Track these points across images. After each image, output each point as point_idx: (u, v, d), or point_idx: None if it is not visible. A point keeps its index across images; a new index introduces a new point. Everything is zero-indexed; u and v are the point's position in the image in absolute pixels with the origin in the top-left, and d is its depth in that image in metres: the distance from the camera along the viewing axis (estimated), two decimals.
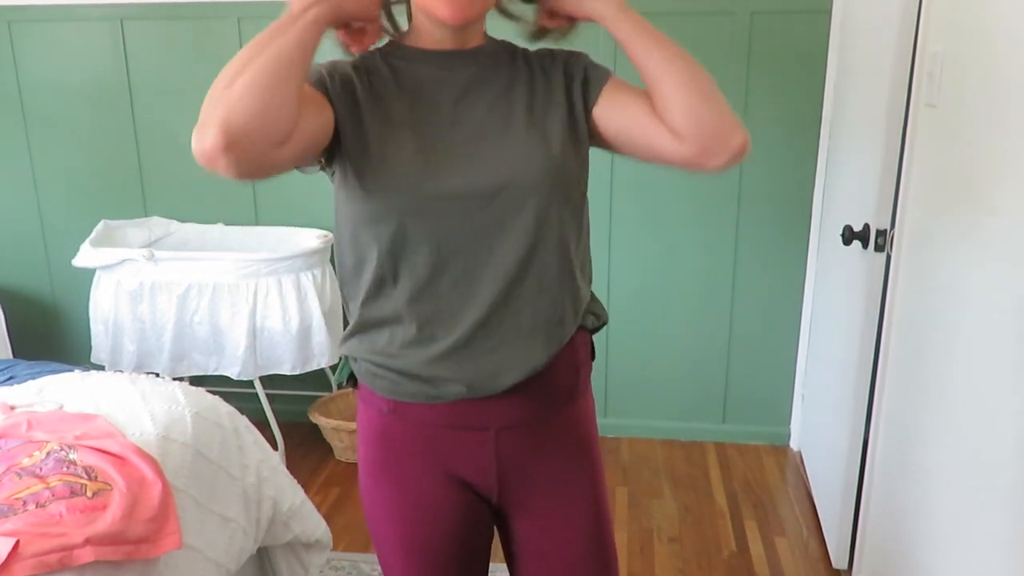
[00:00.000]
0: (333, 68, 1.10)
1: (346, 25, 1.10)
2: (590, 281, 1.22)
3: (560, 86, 1.13)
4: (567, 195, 1.11)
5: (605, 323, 1.24)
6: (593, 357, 1.25)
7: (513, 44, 1.19)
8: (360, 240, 1.11)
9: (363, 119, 1.08)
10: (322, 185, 3.22)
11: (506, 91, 1.13)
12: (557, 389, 1.16)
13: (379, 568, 2.26)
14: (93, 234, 2.82)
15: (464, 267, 1.07)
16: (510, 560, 1.26)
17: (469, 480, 1.17)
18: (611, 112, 1.10)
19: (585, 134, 1.13)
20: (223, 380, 2.87)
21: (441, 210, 1.05)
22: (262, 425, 2.43)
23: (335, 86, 1.08)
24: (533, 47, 1.19)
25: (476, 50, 1.14)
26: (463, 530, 1.19)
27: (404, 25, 1.18)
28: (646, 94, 1.07)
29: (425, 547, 1.18)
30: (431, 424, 1.14)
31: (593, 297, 1.23)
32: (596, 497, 1.22)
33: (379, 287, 1.10)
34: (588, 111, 1.12)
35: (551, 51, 1.17)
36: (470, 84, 1.12)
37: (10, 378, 1.96)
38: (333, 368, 3.09)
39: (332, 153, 1.10)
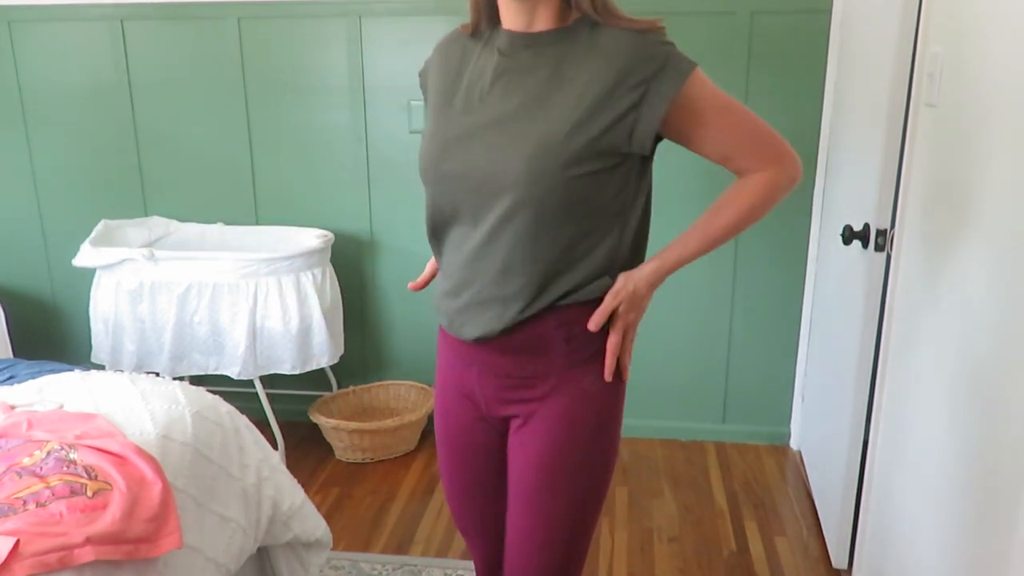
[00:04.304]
0: (424, 71, 1.35)
1: None
2: (601, 267, 1.24)
3: (625, 97, 1.14)
4: (549, 199, 1.15)
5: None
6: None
7: (607, 30, 1.16)
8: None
9: (429, 104, 1.31)
10: (322, 185, 3.23)
11: (547, 81, 1.17)
12: (525, 355, 1.26)
13: (379, 567, 2.27)
14: (93, 234, 2.82)
15: (462, 235, 1.26)
16: None
17: (470, 397, 1.36)
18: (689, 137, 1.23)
19: (622, 150, 1.17)
20: (223, 380, 2.87)
21: (446, 186, 1.23)
22: (262, 425, 2.43)
23: (424, 92, 1.36)
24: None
25: (541, 34, 1.18)
26: (472, 436, 1.38)
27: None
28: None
29: (450, 441, 1.41)
30: (449, 348, 1.36)
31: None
32: (553, 462, 1.28)
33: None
34: (652, 136, 1.17)
35: (651, 53, 1.14)
36: (514, 69, 1.19)
37: (10, 378, 1.96)
38: (333, 368, 3.10)
39: None
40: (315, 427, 2.99)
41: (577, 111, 1.14)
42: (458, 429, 1.40)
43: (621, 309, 1.25)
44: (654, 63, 1.13)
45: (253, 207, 3.06)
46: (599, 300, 1.24)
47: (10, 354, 3.01)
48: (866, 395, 2.09)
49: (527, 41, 1.19)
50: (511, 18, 1.20)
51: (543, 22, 1.18)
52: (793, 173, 1.24)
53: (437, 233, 1.32)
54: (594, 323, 1.24)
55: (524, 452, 1.31)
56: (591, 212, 1.19)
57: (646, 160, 1.23)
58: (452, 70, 1.27)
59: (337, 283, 2.88)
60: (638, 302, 1.26)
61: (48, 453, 1.46)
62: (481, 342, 1.28)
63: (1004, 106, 1.32)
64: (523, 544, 1.32)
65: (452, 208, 1.24)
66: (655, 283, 1.26)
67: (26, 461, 1.44)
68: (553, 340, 1.25)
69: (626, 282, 1.24)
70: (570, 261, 1.21)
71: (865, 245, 2.00)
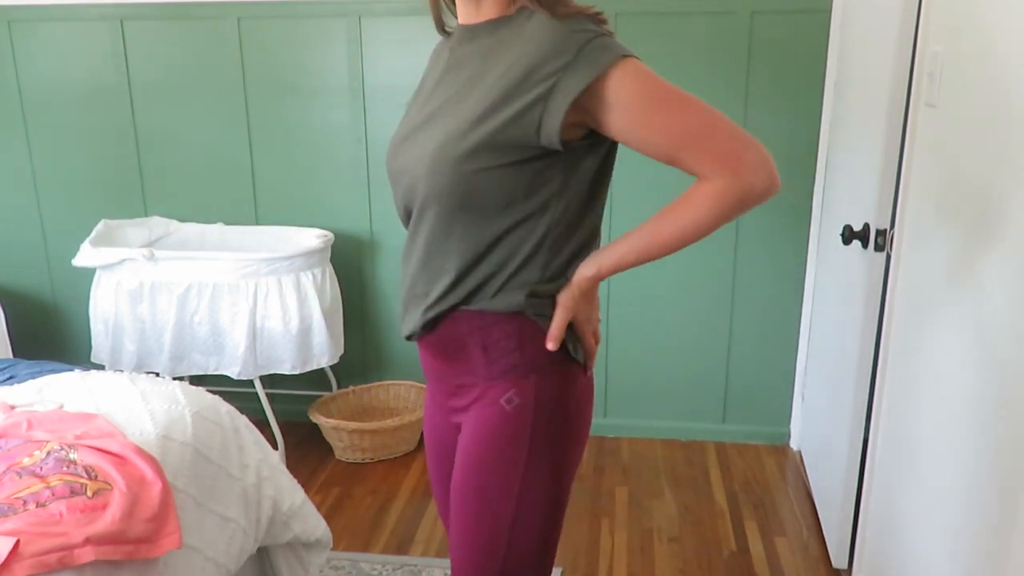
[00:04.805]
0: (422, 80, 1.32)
1: None
2: (511, 272, 1.16)
3: (533, 89, 1.05)
4: (451, 195, 1.10)
5: (538, 317, 1.17)
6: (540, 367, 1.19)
7: (534, 19, 1.09)
8: None
9: None
10: (322, 185, 3.23)
11: (473, 74, 1.14)
12: (450, 359, 1.24)
13: (378, 567, 2.27)
14: (93, 234, 2.82)
15: (408, 230, 1.24)
16: None
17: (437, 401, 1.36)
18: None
19: (531, 143, 1.07)
20: (223, 380, 2.87)
21: (394, 184, 1.23)
22: (262, 425, 2.43)
23: None
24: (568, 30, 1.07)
25: (481, 25, 1.16)
26: (447, 443, 1.34)
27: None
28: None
29: (429, 445, 1.41)
30: None
31: (534, 295, 1.16)
32: (473, 469, 1.22)
33: None
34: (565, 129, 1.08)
35: (566, 44, 1.04)
36: (455, 64, 1.18)
37: (10, 378, 1.96)
38: (333, 368, 3.10)
39: None
40: (315, 427, 2.99)
41: (482, 104, 1.08)
42: (436, 434, 1.37)
43: (573, 316, 1.18)
44: (567, 54, 1.04)
45: (253, 207, 3.06)
46: (516, 314, 1.16)
47: (10, 354, 3.01)
48: (866, 395, 2.09)
49: (470, 34, 1.16)
50: (460, 10, 1.18)
51: (488, 12, 1.14)
52: (752, 182, 1.06)
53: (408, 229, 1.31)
54: (552, 342, 1.16)
55: (456, 464, 1.26)
56: (506, 209, 1.11)
57: (585, 154, 1.12)
58: (427, 72, 1.29)
59: (337, 283, 2.88)
60: (588, 301, 1.20)
61: (48, 453, 1.46)
62: (414, 340, 1.28)
63: (1005, 105, 1.32)
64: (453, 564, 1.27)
65: (403, 205, 1.22)
66: (597, 282, 1.18)
67: (26, 461, 1.44)
68: (469, 345, 1.19)
69: (571, 291, 1.16)
70: (484, 259, 1.14)
71: (865, 245, 1.99)
